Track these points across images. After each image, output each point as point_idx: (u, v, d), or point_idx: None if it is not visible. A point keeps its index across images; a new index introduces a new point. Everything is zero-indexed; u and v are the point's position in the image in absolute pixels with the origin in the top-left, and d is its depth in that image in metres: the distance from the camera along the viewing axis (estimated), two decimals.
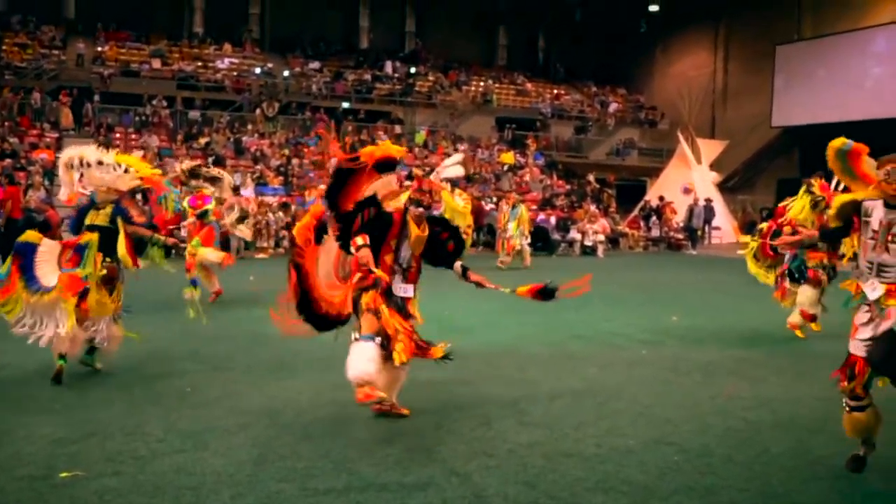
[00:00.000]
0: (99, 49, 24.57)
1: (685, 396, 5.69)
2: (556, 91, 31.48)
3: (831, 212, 4.50)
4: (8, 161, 17.61)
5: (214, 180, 9.98)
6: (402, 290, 4.82)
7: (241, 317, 8.87)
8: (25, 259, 5.64)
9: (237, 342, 7.38)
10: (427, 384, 5.60)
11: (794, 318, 8.11)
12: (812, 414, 5.25)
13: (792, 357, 7.33)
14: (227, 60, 26.12)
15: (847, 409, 4.14)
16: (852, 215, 4.26)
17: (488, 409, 5.17)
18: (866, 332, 4.05)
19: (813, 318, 8.01)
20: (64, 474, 3.83)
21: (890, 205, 4.05)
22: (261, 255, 17.18)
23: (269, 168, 21.26)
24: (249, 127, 23.69)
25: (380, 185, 5.00)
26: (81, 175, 5.89)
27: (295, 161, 22.02)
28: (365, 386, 4.35)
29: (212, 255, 9.65)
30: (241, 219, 11.35)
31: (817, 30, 25.95)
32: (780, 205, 8.27)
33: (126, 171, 5.89)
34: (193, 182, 9.80)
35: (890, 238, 4.03)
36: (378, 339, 4.56)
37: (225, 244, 17.35)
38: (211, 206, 9.75)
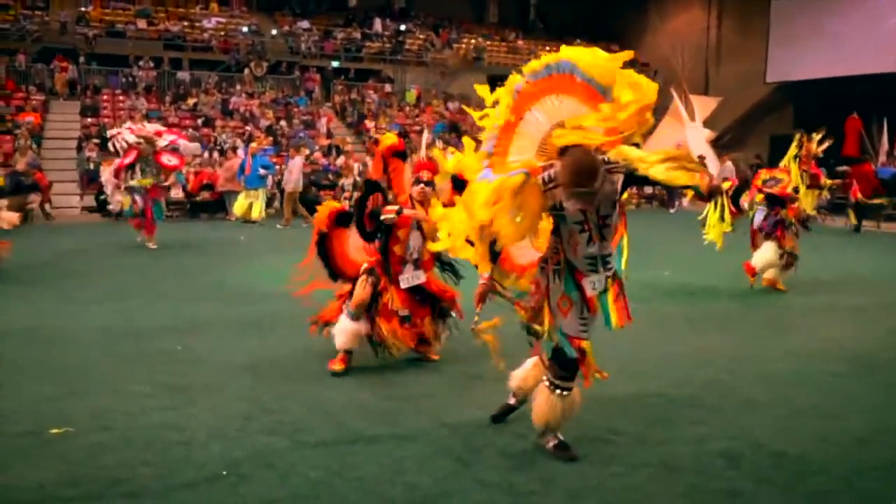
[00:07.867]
0: (83, 10, 24.07)
1: (672, 349, 5.76)
2: (548, 48, 31.07)
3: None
4: None
5: None
6: (415, 277, 5.06)
7: (218, 278, 8.82)
8: None
9: (215, 303, 7.32)
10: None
11: (769, 274, 8.26)
12: (791, 367, 5.32)
13: (773, 311, 7.48)
14: (213, 20, 25.64)
15: (563, 392, 3.61)
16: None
17: (479, 364, 5.15)
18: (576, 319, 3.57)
19: (755, 275, 8.20)
20: (54, 431, 3.82)
21: None
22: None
23: (258, 128, 21.03)
24: (238, 87, 23.37)
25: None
26: None
27: (284, 123, 21.79)
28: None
29: None
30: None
31: None
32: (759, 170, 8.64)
33: None
34: None
35: (601, 221, 3.38)
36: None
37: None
38: None
